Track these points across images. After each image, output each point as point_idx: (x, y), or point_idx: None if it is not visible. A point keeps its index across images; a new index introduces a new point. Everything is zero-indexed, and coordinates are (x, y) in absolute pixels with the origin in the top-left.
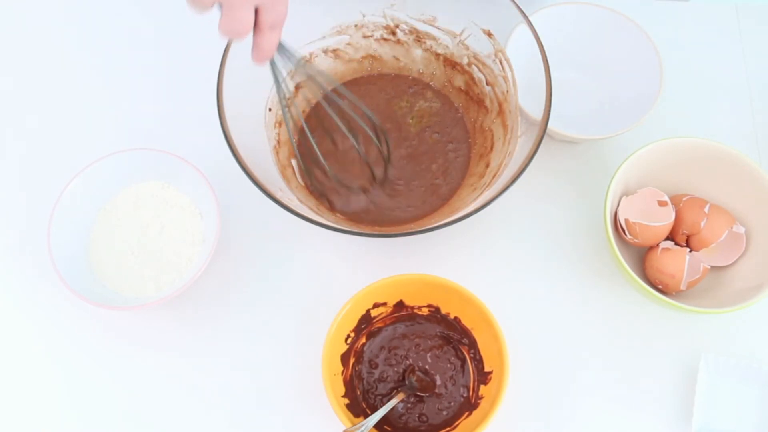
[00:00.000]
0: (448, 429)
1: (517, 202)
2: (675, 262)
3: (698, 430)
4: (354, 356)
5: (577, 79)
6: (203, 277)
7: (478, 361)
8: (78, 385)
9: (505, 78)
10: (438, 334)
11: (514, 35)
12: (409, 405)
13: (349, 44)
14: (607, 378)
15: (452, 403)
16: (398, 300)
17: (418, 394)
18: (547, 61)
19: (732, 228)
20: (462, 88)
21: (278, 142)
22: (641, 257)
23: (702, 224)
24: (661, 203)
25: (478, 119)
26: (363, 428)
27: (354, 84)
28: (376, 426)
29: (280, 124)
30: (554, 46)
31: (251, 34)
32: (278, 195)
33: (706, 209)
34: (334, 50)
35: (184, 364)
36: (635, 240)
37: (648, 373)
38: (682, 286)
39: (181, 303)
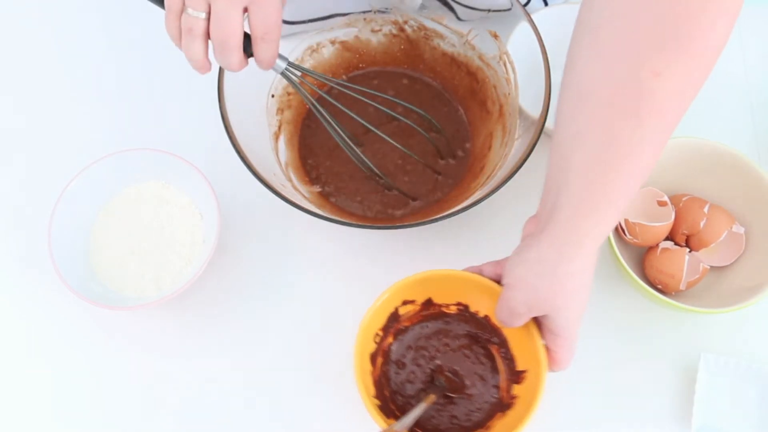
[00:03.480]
0: (481, 430)
1: (516, 202)
2: (674, 262)
3: (698, 430)
4: (382, 356)
5: None
6: (203, 277)
7: (509, 360)
8: (78, 385)
9: (507, 80)
10: (466, 333)
11: (514, 35)
12: (438, 407)
13: (356, 37)
14: (607, 377)
15: (484, 404)
16: (427, 298)
17: (448, 395)
18: (547, 61)
19: (731, 228)
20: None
21: (279, 128)
22: (641, 257)
23: (701, 224)
24: (661, 203)
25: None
26: (400, 426)
27: (358, 77)
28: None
29: (281, 111)
30: (554, 46)
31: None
32: (271, 179)
33: (705, 209)
34: (342, 42)
35: (184, 364)
36: (635, 240)
37: (648, 373)
38: (682, 286)
39: (181, 303)
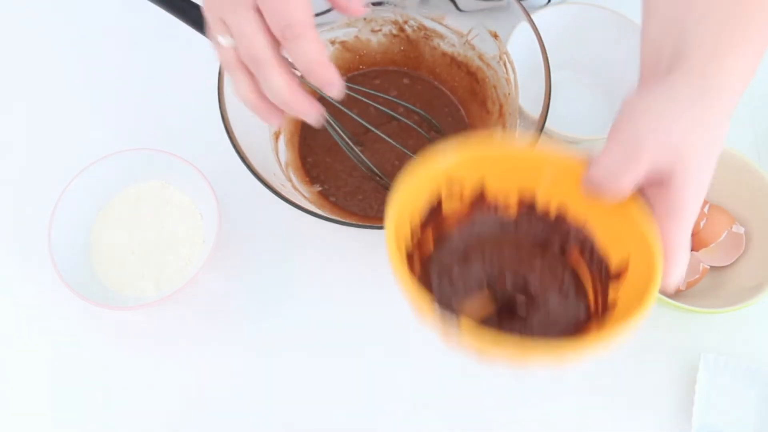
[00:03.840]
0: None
1: None
2: None
3: (698, 430)
4: (419, 260)
5: (576, 79)
6: (203, 277)
7: (599, 263)
8: (77, 385)
9: (507, 80)
10: (534, 238)
11: (514, 35)
12: (504, 323)
13: (356, 37)
14: (606, 377)
15: (568, 325)
16: (479, 184)
17: (516, 313)
18: (547, 61)
19: (731, 228)
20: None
21: (278, 128)
22: None
23: (701, 224)
24: None
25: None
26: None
27: (358, 77)
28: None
29: (282, 111)
30: (554, 46)
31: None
32: (271, 179)
33: (705, 209)
34: (342, 42)
35: (183, 364)
36: None
37: (648, 373)
38: (682, 286)
39: (181, 303)
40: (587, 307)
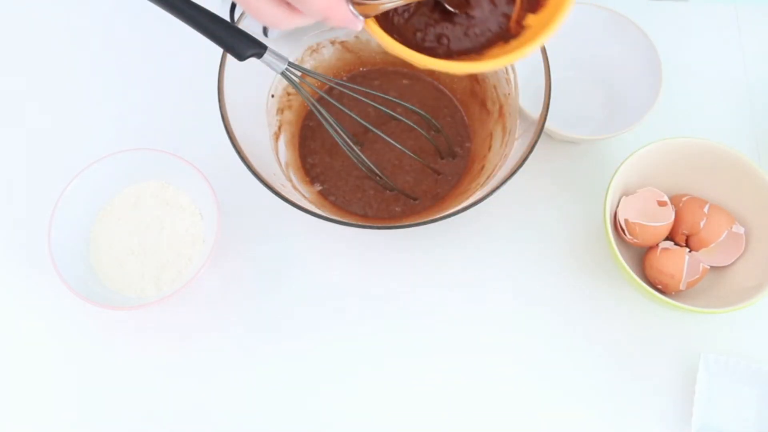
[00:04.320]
0: (473, 56)
1: (516, 201)
2: (674, 262)
3: (698, 430)
4: None
5: (576, 79)
6: (203, 277)
7: None
8: (77, 385)
9: (507, 80)
10: None
11: None
12: (430, 21)
13: (357, 37)
14: (607, 378)
15: (485, 31)
16: None
17: (446, 8)
18: (547, 61)
19: (731, 228)
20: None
21: (279, 128)
22: (641, 257)
23: (701, 224)
24: (661, 203)
25: (479, 120)
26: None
27: (358, 78)
28: (384, 29)
29: (282, 111)
30: (554, 45)
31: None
32: (271, 179)
33: (705, 209)
34: (342, 42)
35: (184, 365)
36: (635, 240)
37: (647, 373)
38: (682, 286)
39: (182, 303)
40: (506, 23)
